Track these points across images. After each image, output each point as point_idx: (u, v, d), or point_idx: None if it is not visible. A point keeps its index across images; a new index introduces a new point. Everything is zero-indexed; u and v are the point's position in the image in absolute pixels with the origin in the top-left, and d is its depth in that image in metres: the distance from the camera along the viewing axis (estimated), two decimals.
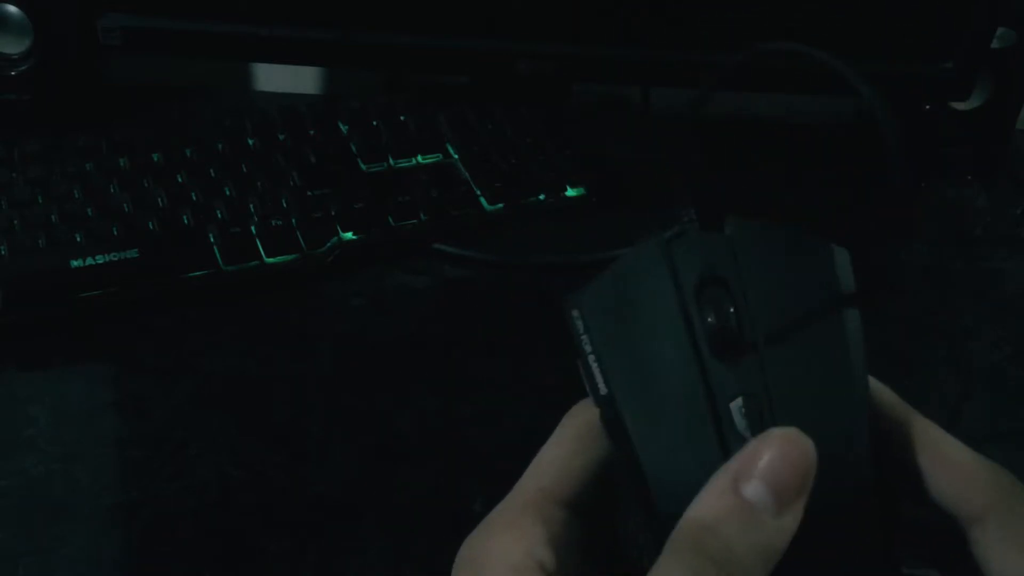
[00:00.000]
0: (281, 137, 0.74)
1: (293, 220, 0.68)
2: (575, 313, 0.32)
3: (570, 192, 0.73)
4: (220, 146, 0.73)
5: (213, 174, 0.70)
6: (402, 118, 0.76)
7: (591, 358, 0.31)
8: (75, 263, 0.63)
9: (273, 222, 0.67)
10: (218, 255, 0.65)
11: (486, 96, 0.79)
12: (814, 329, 0.31)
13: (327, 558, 0.51)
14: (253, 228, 0.67)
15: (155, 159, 0.71)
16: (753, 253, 0.32)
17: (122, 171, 0.70)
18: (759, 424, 0.30)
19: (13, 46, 0.74)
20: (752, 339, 0.30)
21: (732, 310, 0.31)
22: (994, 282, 0.73)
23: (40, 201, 0.67)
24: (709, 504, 0.29)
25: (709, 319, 0.30)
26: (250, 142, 0.73)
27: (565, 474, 0.33)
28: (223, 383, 0.60)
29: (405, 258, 0.69)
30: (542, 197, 0.73)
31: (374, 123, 0.76)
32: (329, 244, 0.67)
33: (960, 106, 0.80)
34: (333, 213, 0.68)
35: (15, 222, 0.65)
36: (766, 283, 0.31)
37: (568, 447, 0.33)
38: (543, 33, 0.74)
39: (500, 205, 0.72)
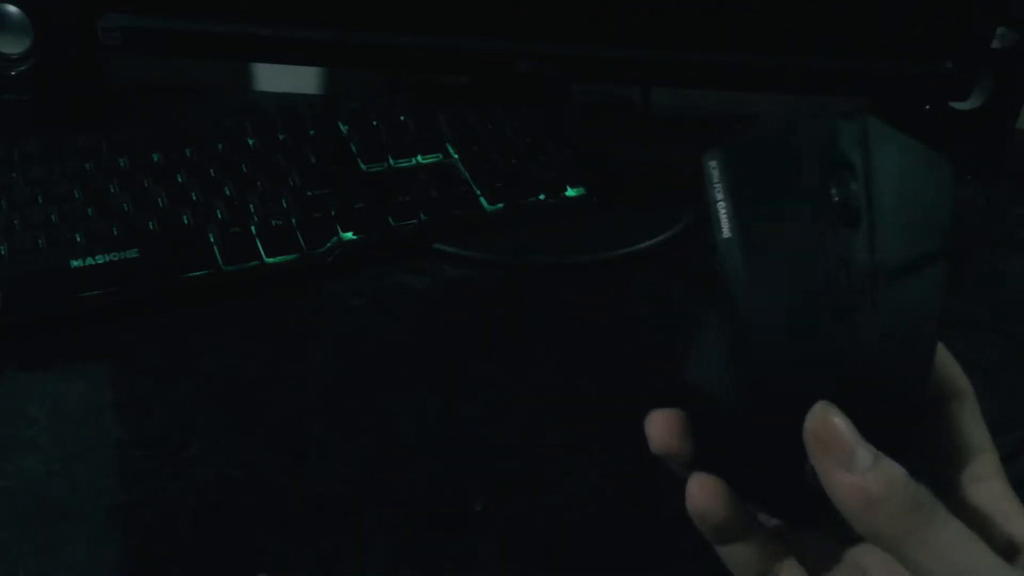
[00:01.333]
0: (281, 137, 0.74)
1: (293, 220, 0.68)
2: (712, 163, 0.36)
3: (570, 192, 0.73)
4: (220, 146, 0.73)
5: (213, 174, 0.70)
6: (402, 118, 0.76)
7: (719, 204, 0.35)
8: (75, 263, 0.63)
9: (273, 222, 0.67)
10: (218, 255, 0.65)
11: (486, 96, 0.79)
12: (920, 228, 0.35)
13: (327, 558, 0.51)
14: (253, 228, 0.67)
15: (155, 159, 0.71)
16: (885, 148, 0.35)
17: (122, 171, 0.70)
18: (860, 288, 0.33)
19: (13, 46, 0.74)
20: (868, 219, 0.34)
21: (854, 190, 0.34)
22: (994, 282, 0.73)
23: (40, 201, 0.67)
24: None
25: (833, 193, 0.34)
26: (250, 142, 0.73)
27: None
28: (223, 383, 0.60)
29: (405, 258, 0.69)
30: (542, 197, 0.73)
31: (374, 123, 0.76)
32: (329, 244, 0.67)
33: (960, 106, 0.80)
34: (333, 213, 0.68)
35: (15, 222, 0.65)
36: (889, 174, 0.35)
37: None
38: (543, 33, 0.74)
39: (500, 205, 0.72)
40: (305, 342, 0.63)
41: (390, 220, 0.69)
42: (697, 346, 0.37)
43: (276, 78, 0.89)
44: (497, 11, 0.73)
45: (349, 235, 0.68)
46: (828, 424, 0.33)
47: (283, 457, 0.56)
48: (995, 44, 0.76)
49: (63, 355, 0.61)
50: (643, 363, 0.63)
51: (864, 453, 0.33)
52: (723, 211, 0.35)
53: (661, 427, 0.38)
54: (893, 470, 0.33)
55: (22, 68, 0.75)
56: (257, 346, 0.63)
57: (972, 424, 0.38)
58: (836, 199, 0.34)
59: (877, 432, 0.34)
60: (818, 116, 0.36)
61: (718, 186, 0.35)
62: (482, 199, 0.72)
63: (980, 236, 0.78)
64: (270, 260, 0.66)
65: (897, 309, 0.34)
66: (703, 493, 0.37)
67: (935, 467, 0.38)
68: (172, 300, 0.64)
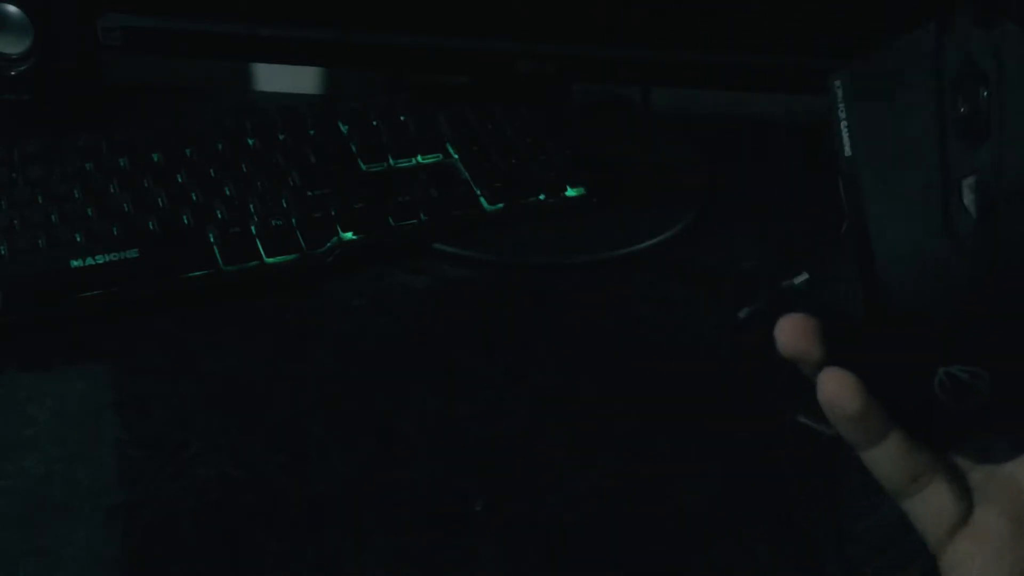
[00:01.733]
0: (281, 137, 0.74)
1: (293, 220, 0.68)
2: (837, 83, 0.36)
3: (570, 192, 0.73)
4: (220, 146, 0.72)
5: (213, 174, 0.70)
6: (402, 118, 0.76)
7: (843, 124, 0.35)
8: (75, 263, 0.63)
9: (273, 222, 0.67)
10: (218, 255, 0.65)
11: (486, 96, 0.79)
12: None
13: (327, 558, 0.51)
14: (253, 228, 0.67)
15: (155, 159, 0.71)
16: (1016, 56, 0.34)
17: (122, 171, 0.70)
18: (986, 204, 0.34)
19: (13, 46, 0.74)
20: (997, 130, 0.34)
21: (984, 101, 0.34)
22: None
23: (40, 201, 0.67)
24: None
25: (961, 107, 0.34)
26: (250, 142, 0.73)
27: None
28: (223, 383, 0.60)
29: (405, 258, 0.69)
30: (542, 197, 0.73)
31: (374, 123, 0.76)
32: (329, 244, 0.67)
33: None
34: (333, 213, 0.68)
35: (15, 222, 0.65)
36: (1020, 85, 0.34)
37: None
38: (543, 33, 0.74)
39: (500, 205, 0.72)
40: (305, 342, 0.63)
41: (390, 220, 0.69)
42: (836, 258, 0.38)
43: (276, 78, 0.89)
44: (497, 11, 0.73)
45: (349, 235, 0.68)
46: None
47: (283, 457, 0.56)
48: None
49: (63, 355, 0.61)
50: (643, 363, 0.63)
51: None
52: (846, 130, 0.35)
53: (791, 331, 0.38)
54: None
55: (22, 68, 0.75)
56: (257, 346, 0.63)
57: None
58: (963, 110, 0.34)
59: (995, 355, 0.34)
60: (951, 27, 0.35)
61: (842, 106, 0.35)
62: (482, 199, 0.72)
63: None
64: (270, 260, 0.66)
65: (1017, 234, 0.34)
66: (835, 383, 0.36)
67: None
68: (172, 300, 0.64)
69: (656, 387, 0.61)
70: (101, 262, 0.63)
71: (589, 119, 0.84)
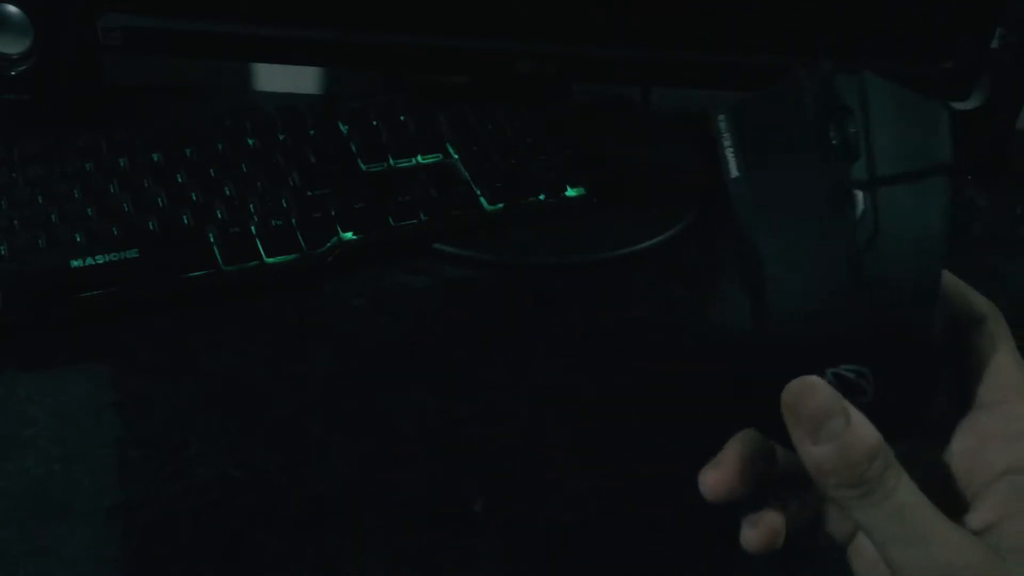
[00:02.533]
0: (281, 137, 0.74)
1: (293, 220, 0.68)
2: (720, 118, 0.39)
3: (570, 192, 0.73)
4: (220, 146, 0.73)
5: (213, 174, 0.70)
6: (402, 118, 0.76)
7: (728, 149, 0.38)
8: (75, 263, 0.63)
9: (273, 222, 0.67)
10: (218, 255, 0.65)
11: (486, 96, 0.79)
12: (917, 158, 0.37)
13: (327, 558, 0.51)
14: (253, 228, 0.67)
15: (155, 159, 0.71)
16: (880, 95, 0.38)
17: (122, 171, 0.70)
18: (862, 212, 0.36)
19: (13, 46, 0.74)
20: (866, 154, 0.37)
21: (853, 130, 0.37)
22: (994, 282, 0.73)
23: (40, 201, 0.67)
24: None
25: (833, 135, 0.37)
26: (250, 142, 0.73)
27: None
28: (223, 383, 0.60)
29: (405, 258, 0.69)
30: (542, 197, 0.73)
31: (374, 123, 0.76)
32: (329, 244, 0.67)
33: (960, 106, 0.80)
34: (333, 213, 0.68)
35: (15, 222, 0.65)
36: (884, 116, 0.37)
37: None
38: (543, 33, 0.74)
39: (500, 205, 0.72)
40: (305, 342, 0.63)
41: (390, 220, 0.69)
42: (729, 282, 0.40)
43: (276, 78, 0.89)
44: (497, 11, 0.73)
45: (349, 235, 0.68)
46: (802, 397, 0.36)
47: (283, 457, 0.56)
48: (995, 44, 0.76)
49: (63, 355, 0.61)
50: (643, 363, 0.63)
51: (834, 424, 0.35)
52: (731, 154, 0.38)
53: (712, 487, 0.41)
54: (854, 440, 0.35)
55: (22, 68, 0.75)
56: (257, 346, 0.63)
57: (994, 347, 0.39)
58: (835, 140, 0.37)
59: (877, 354, 0.37)
60: (818, 72, 0.38)
61: (727, 135, 0.38)
62: (482, 199, 0.72)
63: (980, 236, 0.78)
64: (270, 260, 0.66)
65: (899, 214, 0.36)
66: (760, 534, 0.41)
67: (964, 394, 0.39)
68: (172, 300, 0.64)
69: (656, 387, 0.61)
70: (101, 262, 0.63)
71: (589, 119, 0.84)
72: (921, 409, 0.38)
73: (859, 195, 0.37)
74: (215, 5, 0.72)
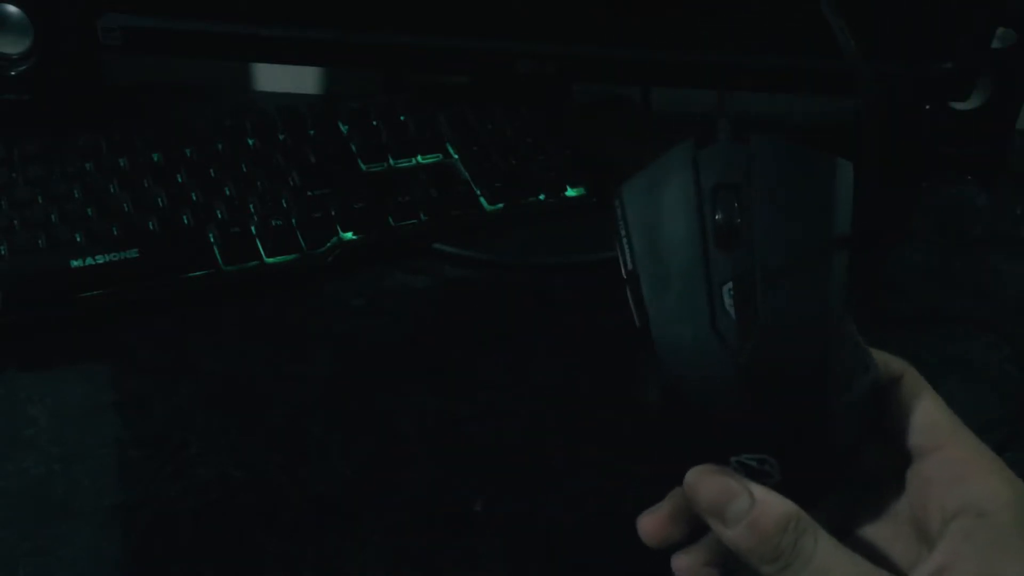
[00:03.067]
0: (281, 137, 0.74)
1: (293, 220, 0.68)
2: (617, 201, 0.39)
3: (570, 192, 0.73)
4: (220, 146, 0.73)
5: (213, 174, 0.70)
6: (402, 118, 0.76)
7: (624, 240, 0.39)
8: (75, 263, 0.63)
9: (273, 222, 0.67)
10: (218, 255, 0.65)
11: (486, 96, 0.79)
12: (803, 233, 0.38)
13: (327, 558, 0.51)
14: (253, 228, 0.67)
15: (155, 159, 0.71)
16: (767, 165, 0.38)
17: (122, 171, 0.70)
18: (743, 305, 0.37)
19: (13, 46, 0.74)
20: (750, 237, 0.37)
21: (737, 210, 0.37)
22: (994, 282, 0.73)
23: (40, 201, 0.67)
24: None
25: (717, 216, 0.37)
26: (250, 142, 0.73)
27: None
28: (223, 383, 0.60)
29: (405, 258, 0.69)
30: (542, 197, 0.73)
31: (374, 123, 0.76)
32: (329, 244, 0.67)
33: (960, 106, 0.80)
34: (333, 213, 0.68)
35: (15, 222, 0.65)
36: (772, 193, 0.38)
37: None
38: (543, 33, 0.74)
39: (500, 205, 0.72)
40: (305, 342, 0.63)
41: (390, 220, 0.69)
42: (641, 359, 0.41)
43: (276, 78, 0.89)
44: (497, 11, 0.73)
45: (349, 235, 0.68)
46: (698, 487, 0.38)
47: (283, 457, 0.56)
48: (995, 44, 0.76)
49: (63, 355, 0.61)
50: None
51: (738, 505, 0.37)
52: (627, 245, 0.39)
53: (651, 533, 0.43)
54: (761, 516, 0.37)
55: (22, 68, 0.75)
56: (257, 346, 0.63)
57: (918, 397, 0.40)
58: (719, 219, 0.37)
59: (776, 439, 0.37)
60: (710, 143, 0.39)
61: (621, 223, 0.39)
62: (482, 199, 0.72)
63: (980, 236, 0.78)
64: (270, 260, 0.66)
65: (783, 307, 0.37)
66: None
67: (899, 446, 0.40)
68: (172, 300, 0.64)
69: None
70: (101, 262, 0.63)
71: (589, 119, 0.84)
72: (838, 472, 0.39)
73: (742, 288, 0.37)
74: (215, 5, 0.72)
